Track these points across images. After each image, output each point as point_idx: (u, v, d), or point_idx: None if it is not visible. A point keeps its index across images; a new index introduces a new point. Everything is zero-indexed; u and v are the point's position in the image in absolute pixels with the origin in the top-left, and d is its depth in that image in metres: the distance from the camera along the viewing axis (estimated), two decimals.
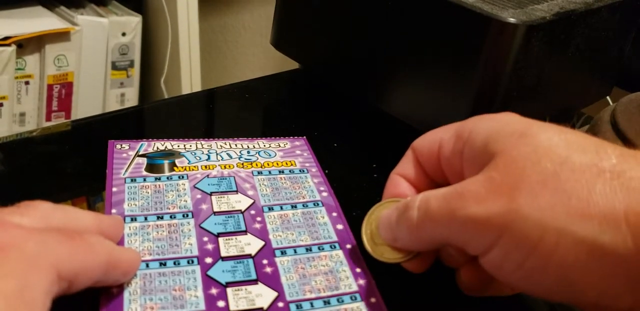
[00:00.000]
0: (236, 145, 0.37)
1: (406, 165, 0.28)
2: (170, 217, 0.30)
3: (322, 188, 0.34)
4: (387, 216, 0.26)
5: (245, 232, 0.30)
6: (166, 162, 0.35)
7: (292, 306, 0.26)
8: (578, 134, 0.22)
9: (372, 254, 0.27)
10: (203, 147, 0.37)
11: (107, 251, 0.24)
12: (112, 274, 0.24)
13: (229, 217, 0.31)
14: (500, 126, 0.23)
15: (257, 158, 0.36)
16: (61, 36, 0.96)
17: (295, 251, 0.29)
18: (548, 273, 0.20)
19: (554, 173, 0.20)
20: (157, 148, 0.36)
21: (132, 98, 1.11)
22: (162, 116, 0.46)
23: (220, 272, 0.27)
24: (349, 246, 0.30)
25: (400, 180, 0.28)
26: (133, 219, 0.30)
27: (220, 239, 0.29)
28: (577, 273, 0.19)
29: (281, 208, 0.32)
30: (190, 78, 1.12)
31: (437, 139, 0.26)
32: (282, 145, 0.38)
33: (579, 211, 0.19)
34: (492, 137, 0.23)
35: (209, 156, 0.36)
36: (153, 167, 0.34)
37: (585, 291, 0.20)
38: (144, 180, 0.33)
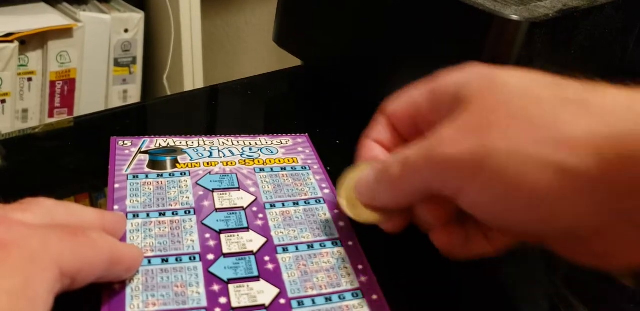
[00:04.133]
0: (238, 142, 0.37)
1: (379, 130, 0.29)
2: (173, 213, 0.30)
3: (324, 185, 0.34)
4: (364, 177, 0.27)
5: (247, 229, 0.30)
6: (168, 159, 0.35)
7: (294, 303, 0.26)
8: (541, 74, 0.23)
9: (352, 217, 0.28)
10: (205, 144, 0.37)
11: (109, 247, 0.24)
12: (114, 270, 0.25)
13: (231, 214, 0.31)
14: (469, 75, 0.24)
15: (259, 155, 0.36)
16: (64, 33, 0.96)
17: (297, 248, 0.29)
18: (521, 201, 0.21)
19: (522, 108, 0.21)
20: (160, 145, 0.36)
21: (134, 95, 1.12)
22: (165, 113, 0.46)
23: (222, 269, 0.27)
24: (350, 243, 0.30)
25: (373, 145, 0.29)
26: (135, 216, 0.30)
27: (222, 236, 0.29)
28: (549, 199, 0.20)
29: (283, 205, 0.32)
30: (192, 75, 1.12)
31: (412, 100, 0.27)
32: (284, 142, 0.38)
33: (547, 138, 0.20)
34: (462, 86, 0.24)
35: (211, 153, 0.36)
36: (155, 163, 0.34)
37: (556, 217, 0.21)
38: (146, 176, 0.33)
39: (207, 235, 0.29)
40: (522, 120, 0.21)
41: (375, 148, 0.29)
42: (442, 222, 0.26)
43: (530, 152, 0.20)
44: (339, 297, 0.26)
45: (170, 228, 0.29)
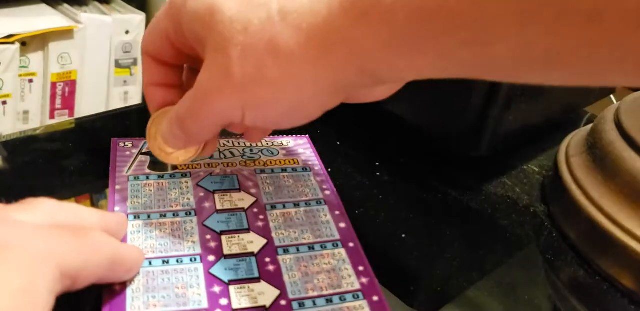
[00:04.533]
0: (239, 144, 0.37)
1: (151, 72, 0.29)
2: (173, 215, 0.30)
3: (324, 187, 0.34)
4: (166, 132, 0.28)
5: (248, 230, 0.30)
6: None
7: (295, 305, 0.26)
8: None
9: (172, 162, 0.31)
10: None
11: (111, 248, 0.24)
12: (116, 271, 0.25)
13: (231, 215, 0.31)
14: (196, 4, 0.24)
15: (260, 157, 0.36)
16: (65, 34, 0.96)
17: (297, 250, 0.29)
18: (282, 115, 0.24)
19: (246, 44, 0.22)
20: None
21: (135, 96, 1.12)
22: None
23: (222, 270, 0.27)
24: (351, 244, 0.30)
25: (154, 90, 0.30)
26: (136, 217, 0.30)
27: (223, 237, 0.29)
28: (301, 105, 0.24)
29: (284, 206, 0.32)
30: None
31: (162, 29, 0.27)
32: (285, 143, 0.38)
33: (271, 57, 0.22)
34: (194, 19, 0.24)
35: (211, 154, 0.36)
36: (156, 165, 0.34)
37: (312, 111, 0.24)
38: (147, 178, 0.33)
39: (208, 237, 0.29)
40: (247, 46, 0.22)
41: (157, 93, 0.30)
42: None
43: (264, 75, 0.22)
44: (340, 299, 0.26)
45: (171, 230, 0.29)
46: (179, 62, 0.29)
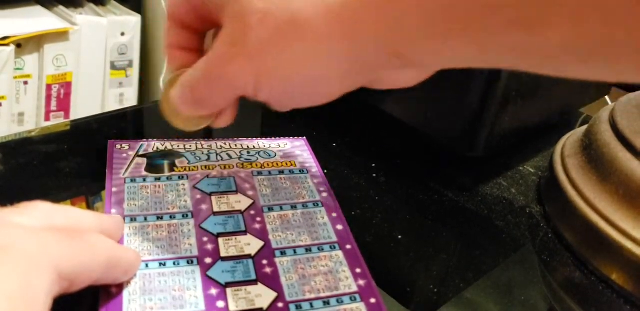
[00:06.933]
0: (236, 146, 0.37)
1: (174, 35, 0.29)
2: (170, 217, 0.30)
3: (322, 189, 0.34)
4: (177, 94, 0.27)
5: (245, 232, 0.30)
6: (166, 162, 0.35)
7: (292, 307, 0.26)
8: None
9: (182, 128, 0.30)
10: (203, 148, 0.37)
11: (107, 250, 0.24)
12: (112, 273, 0.25)
13: (228, 217, 0.31)
14: None
15: (257, 159, 0.36)
16: (60, 36, 0.96)
17: (295, 252, 0.29)
18: (300, 91, 0.24)
19: (265, 11, 0.21)
20: (157, 148, 0.36)
21: (131, 98, 1.11)
22: (162, 116, 0.45)
23: (220, 272, 0.27)
24: (348, 246, 0.30)
25: (175, 52, 0.29)
26: (133, 219, 0.30)
27: (220, 239, 0.29)
28: (317, 83, 0.23)
29: (281, 208, 0.32)
30: None
31: None
32: (281, 145, 0.38)
33: (293, 31, 0.21)
34: None
35: (208, 156, 0.36)
36: (153, 167, 0.34)
37: (330, 91, 0.24)
38: (144, 180, 0.33)
39: (205, 239, 0.29)
40: (269, 16, 0.21)
41: (178, 55, 0.29)
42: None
43: (282, 50, 0.22)
44: (337, 301, 0.26)
45: (168, 232, 0.29)
46: (201, 27, 0.28)
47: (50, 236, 0.22)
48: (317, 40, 0.21)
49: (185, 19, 0.28)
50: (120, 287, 0.25)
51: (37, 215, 0.24)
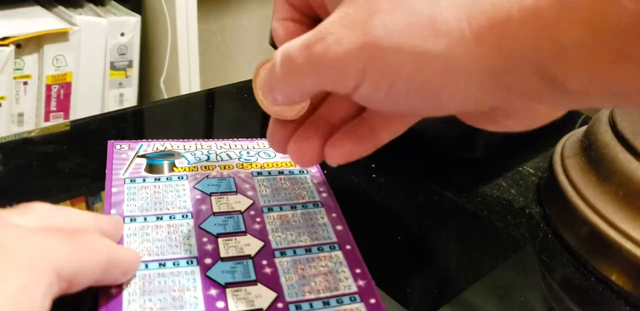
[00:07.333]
0: (236, 146, 0.37)
1: (282, 10, 0.27)
2: (170, 217, 0.30)
3: (321, 189, 0.34)
4: (265, 79, 0.25)
5: (244, 233, 0.30)
6: (166, 163, 0.35)
7: (292, 307, 0.26)
8: None
9: (271, 113, 0.27)
10: (203, 148, 0.37)
11: (106, 250, 0.24)
12: (112, 273, 0.24)
13: (228, 218, 0.31)
14: None
15: (257, 159, 0.36)
16: (60, 36, 0.96)
17: (294, 252, 0.29)
18: (413, 92, 0.20)
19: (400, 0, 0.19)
20: (157, 148, 0.36)
21: (131, 99, 1.11)
22: (161, 116, 0.46)
23: (219, 273, 0.27)
24: (348, 247, 0.30)
25: (285, 23, 0.27)
26: (132, 220, 0.30)
27: (220, 240, 0.29)
28: (438, 88, 0.20)
29: (281, 208, 0.32)
30: (189, 79, 1.12)
31: None
32: None
33: (430, 29, 0.19)
34: None
35: (208, 157, 0.36)
36: (153, 167, 0.34)
37: (447, 102, 0.20)
38: (144, 180, 0.33)
39: (205, 239, 0.29)
40: (404, 12, 0.19)
41: (288, 26, 0.26)
42: (343, 119, 0.26)
43: (417, 46, 0.19)
44: (337, 301, 0.26)
45: (168, 232, 0.29)
46: (307, 11, 0.26)
47: (49, 237, 0.22)
48: (459, 41, 0.18)
49: (296, 2, 0.26)
50: (119, 287, 0.25)
51: (35, 215, 0.24)
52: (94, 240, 0.24)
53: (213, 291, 0.26)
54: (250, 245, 0.29)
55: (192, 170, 0.34)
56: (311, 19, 0.27)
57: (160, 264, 0.27)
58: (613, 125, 0.34)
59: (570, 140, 0.39)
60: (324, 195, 0.34)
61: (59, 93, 1.01)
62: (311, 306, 0.26)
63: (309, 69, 0.21)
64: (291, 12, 0.26)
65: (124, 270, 0.25)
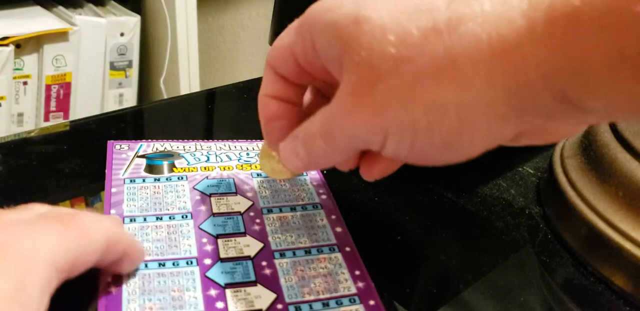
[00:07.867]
0: (235, 147, 0.37)
1: (270, 84, 0.27)
2: (170, 217, 0.30)
3: (321, 191, 0.34)
4: (288, 149, 0.26)
5: (244, 234, 0.30)
6: (165, 163, 0.35)
7: (291, 308, 0.26)
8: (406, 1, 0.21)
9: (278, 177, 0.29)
10: (202, 149, 0.37)
11: (103, 230, 0.24)
12: (113, 252, 0.24)
13: (228, 219, 0.31)
14: (335, 16, 0.21)
15: (257, 160, 0.36)
16: (59, 36, 0.96)
17: (294, 254, 0.29)
18: (435, 145, 0.21)
19: (399, 58, 0.19)
20: (157, 149, 0.36)
21: (130, 99, 1.11)
22: (161, 116, 0.46)
23: (219, 273, 0.27)
24: (348, 249, 0.30)
25: (269, 101, 0.27)
26: (132, 220, 0.30)
27: (219, 240, 0.29)
28: (458, 135, 0.20)
29: (280, 210, 0.32)
30: (188, 79, 1.12)
31: (286, 46, 0.25)
32: None
33: (443, 81, 0.19)
34: (331, 31, 0.21)
35: (208, 157, 0.36)
36: (152, 167, 0.34)
37: (470, 145, 0.21)
38: (143, 180, 0.33)
39: (204, 240, 0.29)
40: (405, 75, 0.19)
41: (271, 105, 0.27)
42: (380, 173, 0.27)
43: (431, 101, 0.19)
44: (336, 303, 0.26)
45: (167, 233, 0.29)
46: (300, 80, 0.26)
47: (42, 229, 0.22)
48: (469, 84, 0.18)
49: (285, 70, 0.26)
50: (119, 287, 0.25)
51: (33, 214, 0.24)
52: (89, 221, 0.23)
53: (213, 292, 0.26)
54: (250, 246, 0.29)
55: (192, 171, 0.34)
56: (303, 88, 0.27)
57: (159, 264, 0.27)
58: (613, 126, 0.34)
59: (570, 140, 0.39)
60: (324, 196, 0.34)
61: (59, 93, 1.01)
62: (311, 307, 0.26)
63: (333, 142, 0.23)
64: (283, 87, 0.27)
65: (124, 249, 0.25)
